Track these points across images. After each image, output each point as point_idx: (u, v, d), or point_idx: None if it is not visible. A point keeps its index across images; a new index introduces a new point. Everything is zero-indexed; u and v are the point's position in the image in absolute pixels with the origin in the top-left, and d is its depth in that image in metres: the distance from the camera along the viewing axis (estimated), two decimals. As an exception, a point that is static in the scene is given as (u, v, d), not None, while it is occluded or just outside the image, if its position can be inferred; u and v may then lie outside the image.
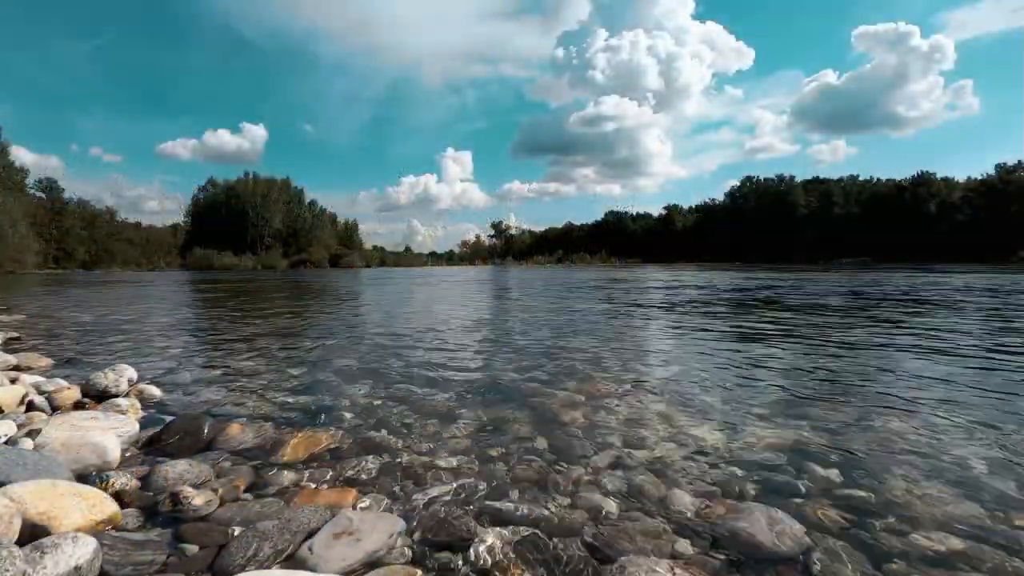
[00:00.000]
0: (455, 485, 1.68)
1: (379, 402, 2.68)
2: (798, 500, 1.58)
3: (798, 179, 77.78)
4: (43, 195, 57.89)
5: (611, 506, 1.55)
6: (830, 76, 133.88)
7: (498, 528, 1.42)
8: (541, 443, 2.07)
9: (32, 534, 1.22)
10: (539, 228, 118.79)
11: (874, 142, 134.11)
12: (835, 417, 2.37)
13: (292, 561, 1.26)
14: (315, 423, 2.33)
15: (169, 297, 12.04)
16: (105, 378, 2.68)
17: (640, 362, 3.80)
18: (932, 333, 4.85)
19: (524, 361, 3.79)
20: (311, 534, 1.35)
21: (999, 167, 57.36)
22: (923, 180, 61.86)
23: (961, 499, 1.57)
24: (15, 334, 5.03)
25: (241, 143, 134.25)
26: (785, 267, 32.97)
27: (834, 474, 1.75)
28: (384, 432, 2.20)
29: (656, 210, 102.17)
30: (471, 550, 1.32)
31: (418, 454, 1.96)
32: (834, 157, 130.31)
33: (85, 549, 1.16)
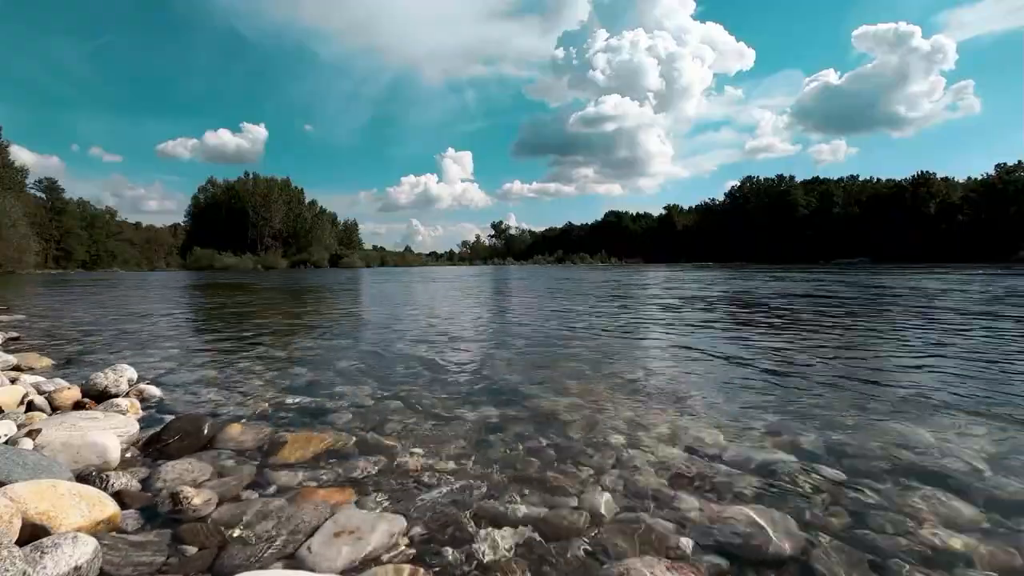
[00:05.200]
0: (455, 485, 1.68)
1: (379, 402, 2.67)
2: (799, 500, 1.58)
3: (798, 179, 77.90)
4: (43, 195, 57.94)
5: (611, 506, 1.55)
6: (831, 76, 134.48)
7: (499, 528, 1.42)
8: (541, 443, 2.07)
9: (32, 534, 1.22)
10: (539, 228, 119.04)
11: (874, 142, 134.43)
12: (835, 417, 2.36)
13: (292, 560, 1.26)
14: (315, 423, 2.32)
15: (169, 297, 12.04)
16: (105, 378, 2.67)
17: (640, 362, 3.80)
18: (930, 333, 4.85)
19: (524, 361, 3.79)
20: (311, 533, 1.35)
21: (999, 167, 57.34)
22: (923, 180, 61.86)
23: (962, 498, 1.57)
24: (15, 334, 5.03)
25: (241, 143, 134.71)
26: (785, 267, 32.97)
27: (835, 473, 1.75)
28: (384, 432, 2.20)
29: (656, 210, 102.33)
30: (472, 550, 1.32)
31: (418, 454, 1.95)
32: (834, 157, 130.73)
33: (85, 549, 1.16)
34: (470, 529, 1.42)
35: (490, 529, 1.41)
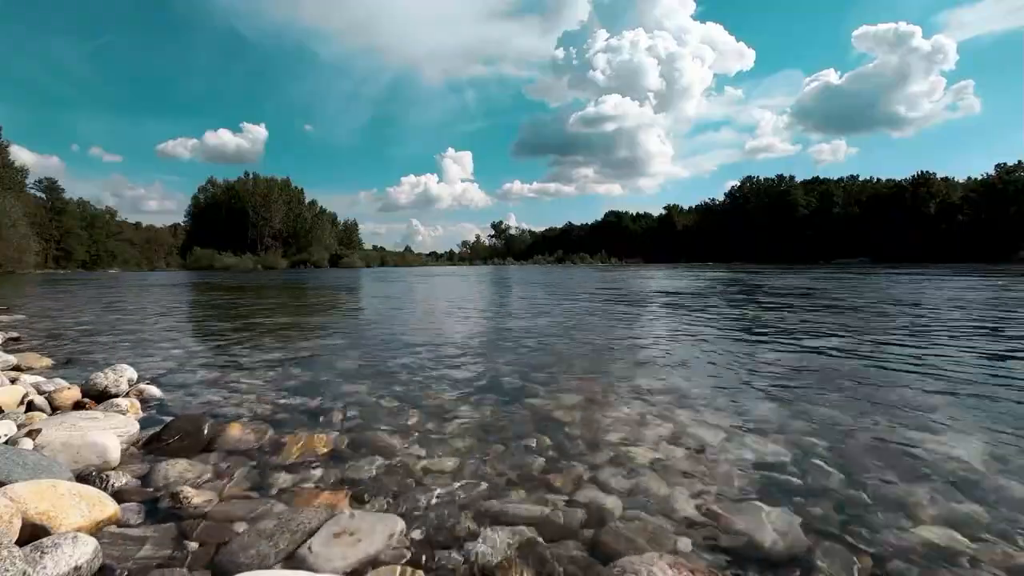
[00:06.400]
0: (455, 485, 1.68)
1: (379, 402, 2.68)
2: (798, 499, 1.58)
3: (798, 179, 77.90)
4: (43, 195, 57.89)
5: (611, 505, 1.55)
6: (831, 76, 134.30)
7: (498, 528, 1.42)
8: (541, 443, 2.07)
9: (32, 534, 1.22)
10: (539, 228, 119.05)
11: (874, 142, 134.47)
12: (835, 416, 2.37)
13: (292, 560, 1.26)
14: (315, 423, 2.33)
15: (169, 297, 12.04)
16: (105, 378, 2.67)
17: (640, 362, 3.80)
18: (929, 333, 4.85)
19: (523, 361, 3.79)
20: (311, 533, 1.35)
21: (999, 167, 57.32)
22: (923, 180, 61.84)
23: (961, 497, 1.57)
24: (15, 334, 5.03)
25: (241, 143, 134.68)
26: (785, 267, 32.97)
27: (834, 473, 1.75)
28: (384, 432, 2.20)
29: (656, 210, 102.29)
30: (471, 550, 1.32)
31: (418, 454, 1.96)
32: (834, 157, 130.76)
33: (85, 549, 1.16)
34: (470, 529, 1.42)
35: (490, 529, 1.41)
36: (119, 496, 1.55)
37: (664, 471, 1.79)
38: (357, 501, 1.58)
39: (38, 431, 1.84)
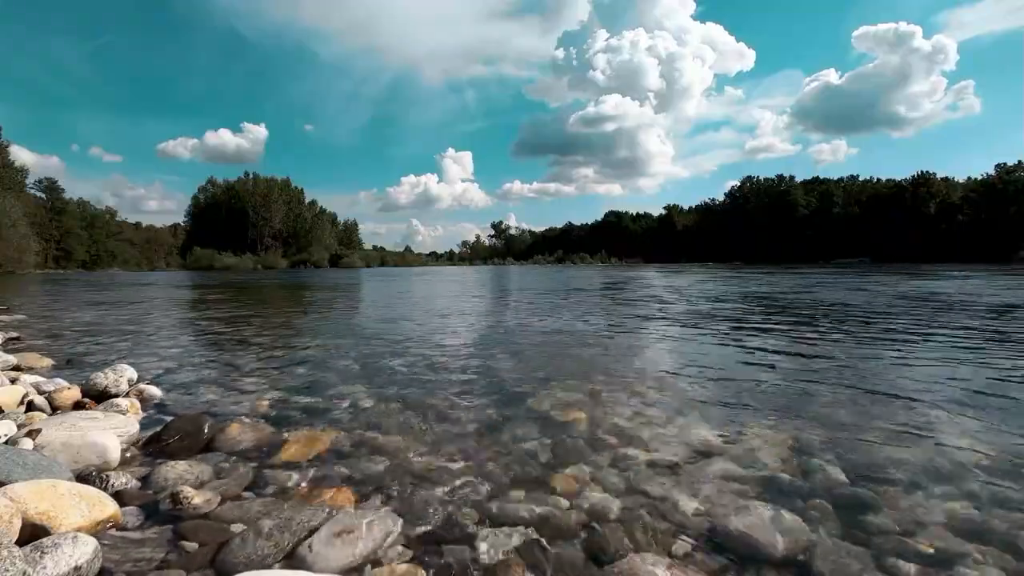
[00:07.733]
0: (455, 485, 1.68)
1: (379, 402, 2.68)
2: (799, 500, 1.58)
3: (798, 179, 77.95)
4: (43, 195, 57.87)
5: (611, 506, 1.55)
6: (831, 76, 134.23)
7: (498, 528, 1.42)
8: (541, 443, 2.07)
9: (32, 534, 1.22)
10: (539, 228, 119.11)
11: (874, 142, 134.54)
12: (836, 417, 2.37)
13: (292, 560, 1.26)
14: (315, 422, 2.32)
15: (169, 297, 12.03)
16: (105, 378, 2.67)
17: (640, 362, 3.80)
18: (930, 334, 4.85)
19: (524, 361, 3.79)
20: (311, 533, 1.35)
21: (999, 167, 57.34)
22: (923, 180, 61.88)
23: (962, 499, 1.57)
24: (15, 334, 5.03)
25: (241, 143, 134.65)
26: (785, 267, 32.98)
27: (835, 473, 1.75)
28: (384, 432, 2.20)
29: (656, 210, 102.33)
30: (471, 550, 1.32)
31: (418, 454, 1.95)
32: (834, 157, 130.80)
33: (85, 549, 1.16)
34: (470, 529, 1.42)
35: (490, 529, 1.41)
36: (119, 496, 1.55)
37: (664, 471, 1.79)
38: (357, 500, 1.58)
39: (38, 431, 1.84)
